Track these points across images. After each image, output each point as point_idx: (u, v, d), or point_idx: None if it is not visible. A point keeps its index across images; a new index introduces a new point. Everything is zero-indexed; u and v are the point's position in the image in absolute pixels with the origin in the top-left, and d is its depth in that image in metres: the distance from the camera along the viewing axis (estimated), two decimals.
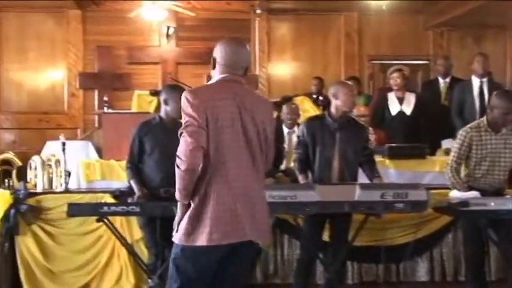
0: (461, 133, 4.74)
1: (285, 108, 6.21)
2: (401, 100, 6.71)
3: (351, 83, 5.28)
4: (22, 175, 5.92)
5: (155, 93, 7.37)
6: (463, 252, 5.27)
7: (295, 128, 6.08)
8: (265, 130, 3.08)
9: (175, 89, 4.94)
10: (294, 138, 5.27)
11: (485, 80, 6.67)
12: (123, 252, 5.25)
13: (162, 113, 4.83)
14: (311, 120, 4.98)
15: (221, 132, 2.94)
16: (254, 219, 2.99)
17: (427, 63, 10.17)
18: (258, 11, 9.97)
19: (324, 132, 4.74)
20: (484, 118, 4.74)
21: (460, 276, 5.64)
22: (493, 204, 4.40)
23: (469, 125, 4.78)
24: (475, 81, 6.68)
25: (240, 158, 2.99)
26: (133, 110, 7.93)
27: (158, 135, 4.76)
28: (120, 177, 5.95)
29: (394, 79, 6.73)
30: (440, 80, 7.50)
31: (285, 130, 6.13)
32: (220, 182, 2.93)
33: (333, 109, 4.78)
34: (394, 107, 6.72)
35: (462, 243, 5.31)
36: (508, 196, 4.68)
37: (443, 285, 5.67)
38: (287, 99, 6.82)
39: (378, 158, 5.51)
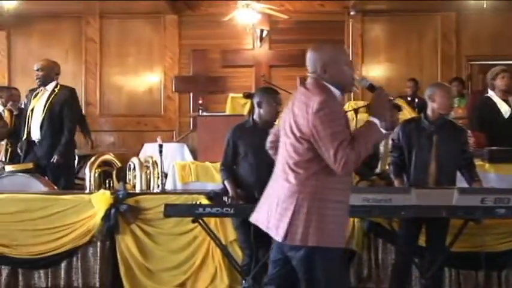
0: None
1: None
2: (508, 103, 6.42)
3: (448, 85, 5.13)
4: (121, 176, 6.12)
5: (249, 95, 7.42)
6: None
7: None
8: (299, 129, 3.08)
9: (268, 91, 4.98)
10: (390, 141, 5.17)
11: None
12: (218, 253, 5.31)
13: (256, 116, 4.86)
14: (407, 123, 4.87)
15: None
16: (266, 212, 3.21)
17: None
18: (352, 13, 9.88)
19: (420, 135, 4.64)
20: None
21: None
22: None
23: None
24: None
25: (279, 155, 3.29)
26: (227, 112, 8.04)
27: (252, 138, 4.79)
28: (214, 179, 6.05)
29: (503, 80, 6.42)
30: None
31: None
32: None
33: (429, 111, 4.67)
34: (505, 110, 6.43)
35: None
36: None
37: None
38: None
39: (477, 162, 5.32)
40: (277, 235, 3.11)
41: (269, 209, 3.19)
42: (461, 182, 4.82)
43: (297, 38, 9.79)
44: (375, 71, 10.07)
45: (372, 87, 3.21)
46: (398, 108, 3.37)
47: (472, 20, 9.82)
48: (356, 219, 5.06)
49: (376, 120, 3.10)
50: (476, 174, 4.76)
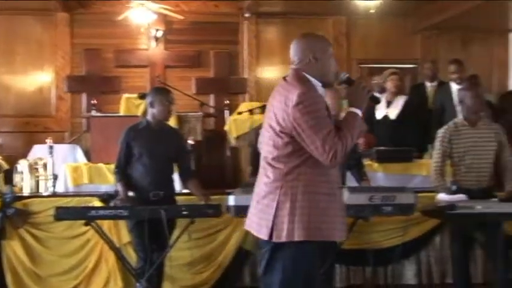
0: (438, 132, 4.90)
1: None
2: (389, 104, 6.74)
3: (336, 87, 5.28)
4: (8, 179, 5.90)
5: (143, 96, 7.33)
6: (450, 254, 5.30)
7: None
8: (278, 123, 2.97)
9: (160, 91, 4.98)
10: None
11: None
12: (111, 256, 5.23)
13: (149, 116, 4.82)
14: None
15: None
16: (251, 212, 3.09)
17: (415, 67, 10.20)
18: (247, 14, 9.95)
19: None
20: (460, 116, 4.95)
21: (448, 279, 5.66)
22: (479, 207, 4.43)
23: (446, 125, 4.93)
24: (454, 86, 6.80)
25: (262, 151, 3.13)
26: (122, 113, 7.91)
27: (146, 139, 4.76)
28: (108, 181, 5.94)
29: (394, 81, 6.75)
30: (428, 84, 7.55)
31: None
32: None
33: None
34: (379, 111, 6.75)
35: (449, 245, 5.33)
36: (494, 199, 4.71)
37: None
38: None
39: (366, 162, 5.53)
40: (261, 233, 2.96)
41: (251, 209, 3.07)
42: (351, 181, 4.99)
43: (192, 38, 9.76)
44: (270, 72, 10.20)
45: (349, 80, 3.17)
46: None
47: (361, 24, 10.15)
48: None
49: (358, 111, 3.02)
50: (365, 174, 4.94)
